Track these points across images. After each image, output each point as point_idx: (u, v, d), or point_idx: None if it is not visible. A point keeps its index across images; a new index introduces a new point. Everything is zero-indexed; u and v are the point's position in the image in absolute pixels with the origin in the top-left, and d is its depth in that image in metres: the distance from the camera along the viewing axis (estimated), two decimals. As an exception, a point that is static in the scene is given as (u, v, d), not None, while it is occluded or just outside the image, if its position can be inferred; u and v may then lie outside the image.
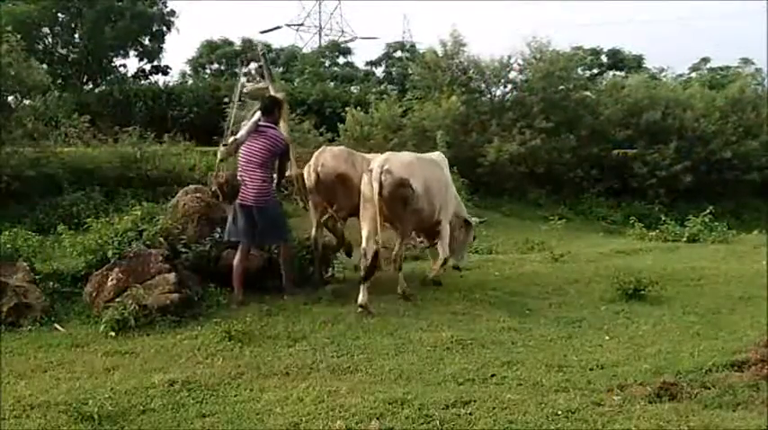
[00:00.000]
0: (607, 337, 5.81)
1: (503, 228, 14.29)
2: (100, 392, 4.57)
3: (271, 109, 7.10)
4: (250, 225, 6.91)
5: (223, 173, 6.95)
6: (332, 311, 6.57)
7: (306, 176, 7.48)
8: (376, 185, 6.71)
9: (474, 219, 8.29)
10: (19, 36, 12.73)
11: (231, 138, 6.95)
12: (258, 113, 7.07)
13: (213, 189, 6.97)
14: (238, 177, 6.87)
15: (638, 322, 6.24)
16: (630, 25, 69.26)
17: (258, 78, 7.56)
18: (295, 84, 24.79)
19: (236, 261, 6.95)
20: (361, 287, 6.58)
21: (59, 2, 22.25)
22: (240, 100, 7.67)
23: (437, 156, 8.02)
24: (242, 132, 6.95)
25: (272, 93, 7.38)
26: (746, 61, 27.94)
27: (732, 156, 17.60)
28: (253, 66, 7.72)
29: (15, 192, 11.81)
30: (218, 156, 7.11)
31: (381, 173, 6.76)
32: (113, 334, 5.89)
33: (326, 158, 7.46)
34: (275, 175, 7.13)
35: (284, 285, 7.08)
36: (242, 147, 6.95)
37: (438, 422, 4.09)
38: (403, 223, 7.02)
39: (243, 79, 7.79)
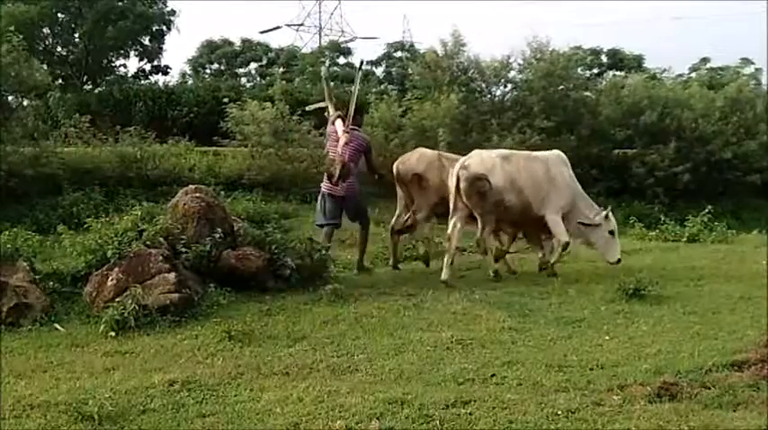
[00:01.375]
0: (607, 337, 5.80)
1: (503, 228, 14.27)
2: (100, 392, 4.56)
3: (353, 114, 8.43)
4: (339, 211, 8.45)
5: (339, 158, 8.23)
6: (332, 311, 6.58)
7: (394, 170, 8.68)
8: (453, 180, 7.85)
9: (600, 215, 8.24)
10: (21, 37, 12.71)
11: (342, 132, 8.27)
12: (339, 120, 8.45)
13: (332, 170, 8.24)
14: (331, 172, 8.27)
15: (638, 322, 6.23)
16: (630, 25, 69.12)
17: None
18: (295, 84, 24.75)
19: (322, 241, 8.20)
20: (444, 264, 7.92)
21: (59, 2, 22.24)
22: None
23: (551, 154, 8.51)
24: (343, 128, 8.33)
25: (331, 111, 8.66)
26: (746, 61, 27.91)
27: (732, 157, 17.59)
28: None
29: (15, 192, 11.81)
30: (343, 140, 8.27)
31: (460, 168, 7.83)
32: (113, 334, 5.90)
33: (411, 158, 8.64)
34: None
35: (357, 263, 8.60)
36: (332, 148, 8.38)
37: (438, 422, 4.09)
38: (483, 214, 7.86)
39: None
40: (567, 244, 8.13)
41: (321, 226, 8.59)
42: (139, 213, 7.47)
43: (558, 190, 8.16)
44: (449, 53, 18.05)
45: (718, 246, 10.86)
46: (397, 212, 8.85)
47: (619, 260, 8.28)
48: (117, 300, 6.29)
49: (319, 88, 22.67)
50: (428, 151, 8.91)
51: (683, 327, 6.05)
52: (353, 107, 8.41)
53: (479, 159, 8.01)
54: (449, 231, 8.03)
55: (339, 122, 8.44)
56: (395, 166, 8.67)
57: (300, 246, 7.66)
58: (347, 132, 8.25)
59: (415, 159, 8.60)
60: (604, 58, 31.46)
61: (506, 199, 7.93)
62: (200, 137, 16.98)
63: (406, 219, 8.65)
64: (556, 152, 8.68)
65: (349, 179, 8.31)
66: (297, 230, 10.77)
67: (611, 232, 8.26)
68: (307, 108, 9.23)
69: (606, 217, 8.22)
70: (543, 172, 8.14)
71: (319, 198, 8.67)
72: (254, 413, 4.30)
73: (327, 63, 9.39)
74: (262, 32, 40.64)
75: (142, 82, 25.44)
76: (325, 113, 8.86)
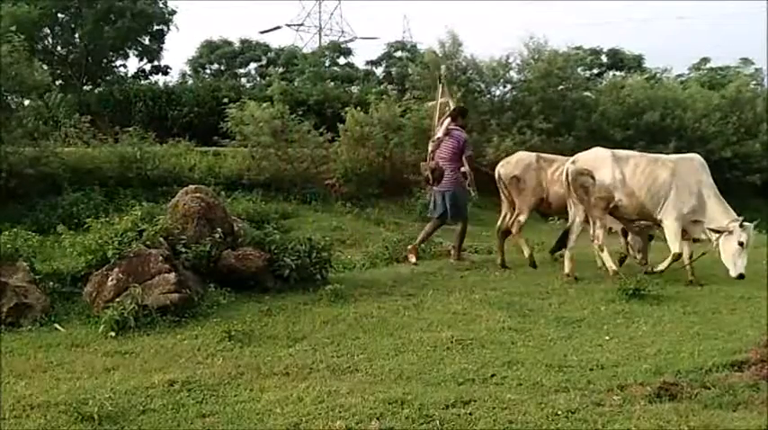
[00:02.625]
0: (607, 337, 5.81)
1: (503, 228, 14.26)
2: (100, 392, 4.57)
3: (455, 116, 9.37)
4: (443, 205, 9.19)
5: (432, 161, 9.28)
6: (332, 311, 6.59)
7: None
8: (564, 174, 8.23)
9: (734, 223, 7.75)
10: (22, 37, 12.69)
11: (436, 137, 9.35)
12: (448, 119, 9.30)
13: (426, 174, 9.39)
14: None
15: (638, 322, 6.24)
16: (630, 25, 69.13)
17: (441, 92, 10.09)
18: (295, 84, 24.73)
19: (429, 227, 9.40)
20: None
21: (59, 2, 22.22)
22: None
23: (684, 158, 8.36)
24: (439, 134, 9.31)
25: (451, 105, 9.69)
26: (746, 61, 27.86)
27: (733, 157, 17.59)
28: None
29: (15, 192, 11.79)
30: (429, 147, 9.45)
31: (570, 163, 8.27)
32: (113, 334, 5.90)
33: (511, 161, 9.20)
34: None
35: (452, 254, 9.27)
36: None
37: (438, 422, 4.09)
38: (588, 208, 8.16)
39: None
40: (678, 255, 7.92)
41: (435, 217, 9.48)
42: (139, 213, 7.46)
43: (681, 195, 7.91)
44: (447, 53, 18.06)
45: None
46: (503, 214, 9.32)
47: (741, 276, 7.55)
48: (117, 300, 6.30)
49: (320, 88, 22.81)
50: (527, 154, 9.37)
51: (683, 327, 6.05)
52: (438, 113, 9.62)
53: (590, 156, 8.30)
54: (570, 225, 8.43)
55: (447, 122, 9.29)
56: (496, 170, 9.20)
57: (300, 247, 7.65)
58: (433, 141, 9.33)
59: (514, 162, 9.09)
60: (604, 58, 31.41)
61: (616, 197, 8.02)
62: (200, 137, 16.96)
63: (511, 222, 9.10)
64: (691, 156, 8.54)
65: (446, 176, 9.11)
66: (297, 230, 10.78)
67: (741, 244, 7.63)
68: (428, 104, 10.12)
69: (741, 226, 7.69)
70: (666, 176, 7.96)
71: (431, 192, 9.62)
72: (254, 413, 4.30)
73: (445, 65, 10.51)
74: (262, 32, 40.72)
75: (142, 82, 25.40)
76: (446, 108, 9.85)
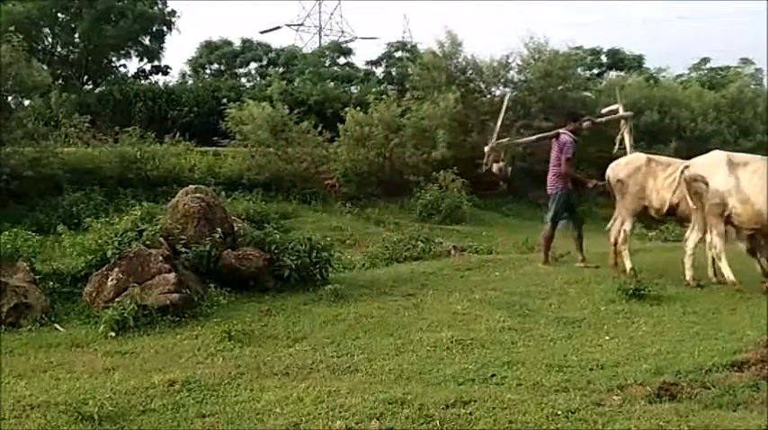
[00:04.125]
0: (607, 337, 5.80)
1: (503, 228, 14.29)
2: (100, 392, 4.58)
3: (565, 121, 9.34)
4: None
5: (491, 163, 9.97)
6: (332, 311, 6.59)
7: None
8: (677, 179, 7.96)
9: None
10: (21, 37, 12.69)
11: (497, 141, 9.98)
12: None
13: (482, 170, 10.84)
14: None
15: (638, 322, 6.23)
16: (630, 25, 69.12)
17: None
18: (295, 84, 24.74)
19: (545, 232, 9.06)
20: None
21: (59, 2, 22.22)
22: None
23: None
24: (525, 139, 10.26)
25: (621, 113, 9.92)
26: (746, 61, 27.87)
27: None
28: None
29: (15, 192, 11.82)
30: (486, 150, 10.05)
31: (684, 167, 7.95)
32: (113, 334, 5.91)
33: (621, 162, 8.74)
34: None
35: (540, 256, 9.01)
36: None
37: (438, 422, 4.09)
38: (700, 213, 7.81)
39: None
40: None
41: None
42: (139, 213, 7.47)
43: None
44: (446, 54, 18.09)
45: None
46: (614, 215, 8.73)
47: None
48: (117, 300, 6.30)
49: (320, 88, 22.87)
50: (637, 156, 8.82)
51: (683, 327, 6.05)
52: (500, 122, 10.24)
53: (704, 160, 7.90)
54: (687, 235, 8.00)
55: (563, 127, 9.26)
56: (606, 172, 8.74)
57: (300, 247, 7.65)
58: (491, 145, 10.00)
59: (623, 164, 8.61)
60: (604, 58, 31.41)
61: (730, 205, 7.54)
62: (200, 137, 16.99)
63: (617, 232, 8.52)
64: None
65: (553, 180, 8.96)
66: (297, 230, 10.79)
67: None
68: (602, 111, 10.52)
69: None
70: None
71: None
72: (254, 413, 4.30)
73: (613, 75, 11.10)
74: (262, 33, 40.67)
75: (142, 82, 25.40)
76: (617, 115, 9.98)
